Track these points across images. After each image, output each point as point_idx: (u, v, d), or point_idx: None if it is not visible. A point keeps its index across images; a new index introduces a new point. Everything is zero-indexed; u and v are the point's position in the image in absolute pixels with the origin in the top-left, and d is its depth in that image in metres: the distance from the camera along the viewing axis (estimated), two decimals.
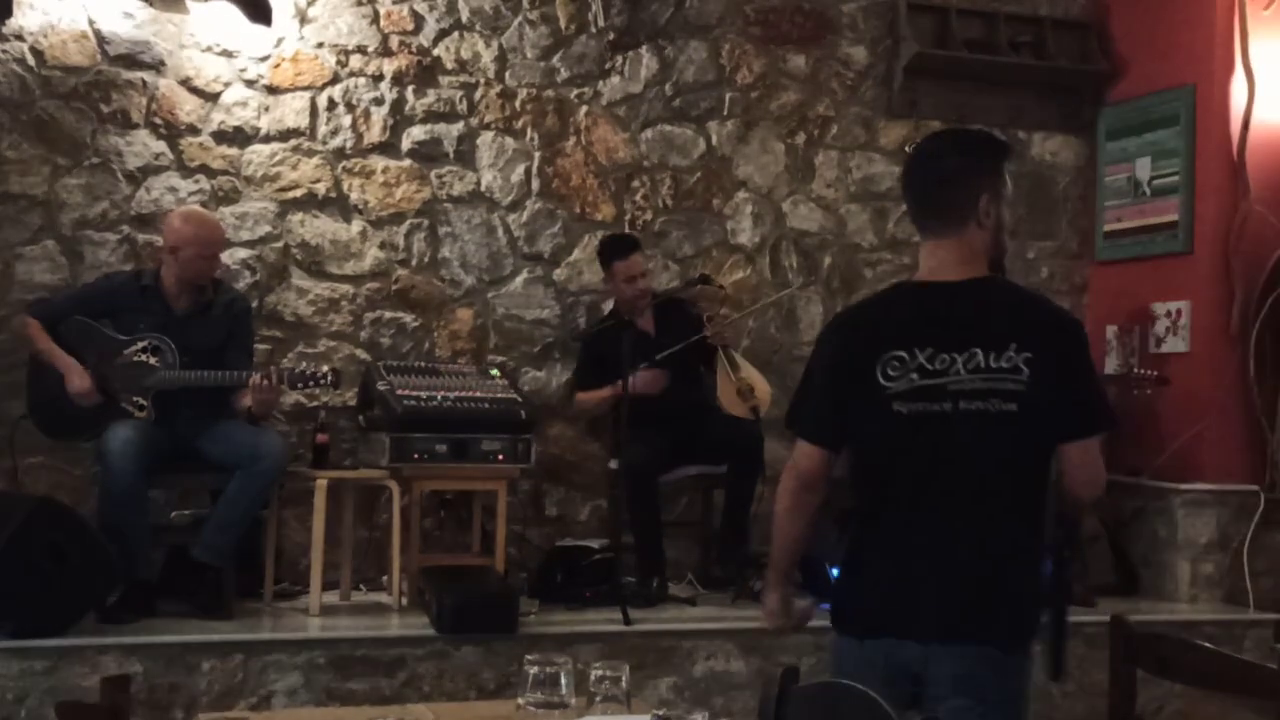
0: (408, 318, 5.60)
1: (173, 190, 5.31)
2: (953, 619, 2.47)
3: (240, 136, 5.40)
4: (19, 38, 5.15)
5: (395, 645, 4.42)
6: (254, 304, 5.23)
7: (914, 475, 2.53)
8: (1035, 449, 2.52)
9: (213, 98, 5.36)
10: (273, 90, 5.42)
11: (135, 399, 4.64)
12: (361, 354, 5.51)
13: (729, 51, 6.03)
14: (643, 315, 5.47)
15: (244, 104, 5.39)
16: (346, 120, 5.52)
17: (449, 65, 5.66)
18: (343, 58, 5.52)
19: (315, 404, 5.38)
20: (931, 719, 2.43)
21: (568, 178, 5.81)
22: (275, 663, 4.30)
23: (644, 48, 5.91)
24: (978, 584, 2.49)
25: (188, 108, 5.33)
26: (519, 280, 5.74)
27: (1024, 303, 2.59)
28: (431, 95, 5.63)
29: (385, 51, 5.57)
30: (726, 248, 6.02)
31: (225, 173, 5.38)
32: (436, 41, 5.65)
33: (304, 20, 5.46)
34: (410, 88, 5.60)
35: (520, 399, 5.09)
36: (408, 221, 5.60)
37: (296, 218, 5.47)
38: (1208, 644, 2.78)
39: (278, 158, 5.45)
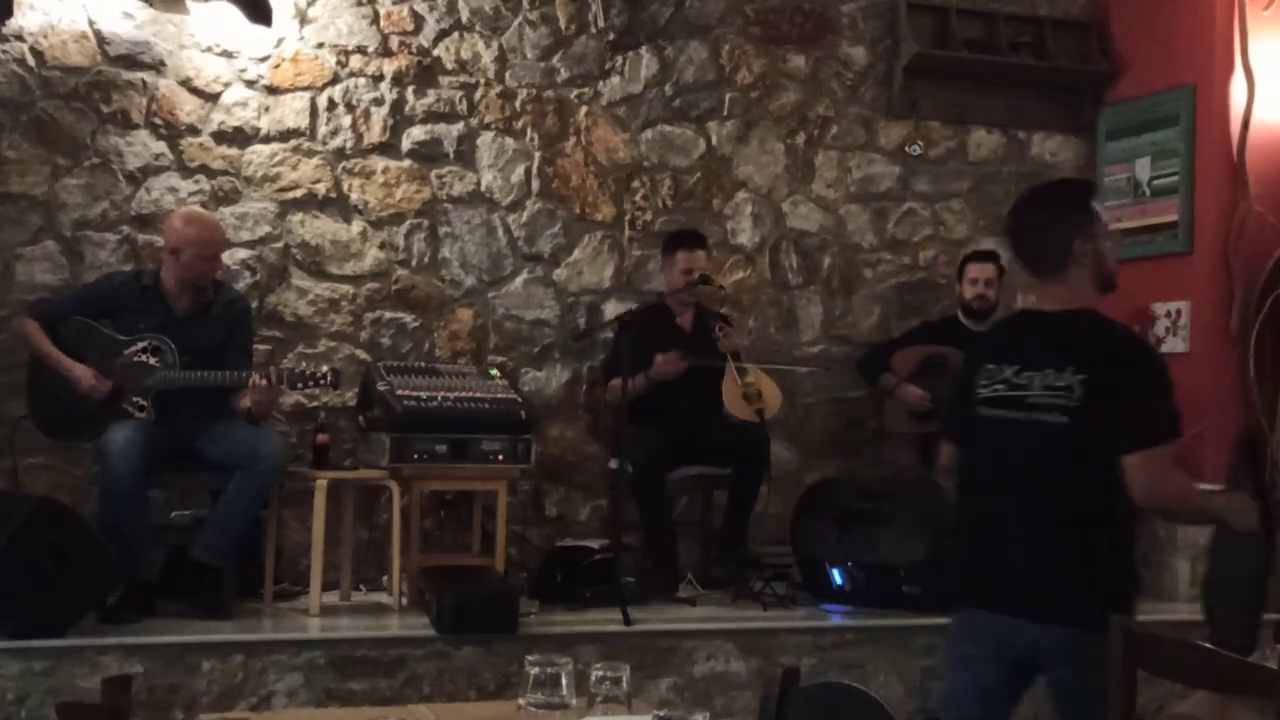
0: (408, 318, 5.60)
1: (173, 190, 5.31)
2: (1041, 600, 2.86)
3: (240, 137, 5.40)
4: (19, 38, 5.15)
5: (395, 645, 4.42)
6: (254, 304, 5.23)
7: (997, 471, 2.97)
8: (1092, 457, 2.84)
9: (213, 98, 5.36)
10: (273, 90, 5.43)
11: (135, 399, 4.64)
12: (361, 354, 5.51)
13: (729, 52, 6.03)
14: (685, 312, 5.53)
15: (244, 104, 5.40)
16: (346, 120, 5.52)
17: (449, 65, 5.66)
18: (343, 58, 5.52)
19: (315, 404, 5.38)
20: (931, 717, 2.52)
21: (568, 178, 5.81)
22: (275, 663, 4.30)
23: (644, 48, 5.92)
24: (1053, 573, 2.86)
25: (188, 108, 5.33)
26: (519, 280, 5.75)
27: (1095, 333, 2.96)
28: (431, 95, 5.63)
29: (385, 52, 5.57)
30: (726, 248, 6.02)
31: (225, 173, 5.38)
32: (436, 42, 5.65)
33: (304, 20, 5.46)
34: (410, 88, 5.60)
35: (520, 399, 5.09)
36: (408, 222, 5.61)
37: (296, 218, 5.47)
38: (1208, 644, 2.78)
39: (278, 158, 5.45)
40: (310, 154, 5.49)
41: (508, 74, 5.74)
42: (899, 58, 6.16)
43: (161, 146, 5.31)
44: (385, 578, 5.14)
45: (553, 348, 5.78)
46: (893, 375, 5.78)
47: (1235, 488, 3.85)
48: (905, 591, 5.00)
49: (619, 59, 5.89)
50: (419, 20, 5.62)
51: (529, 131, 5.76)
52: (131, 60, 5.27)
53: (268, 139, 5.43)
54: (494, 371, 5.33)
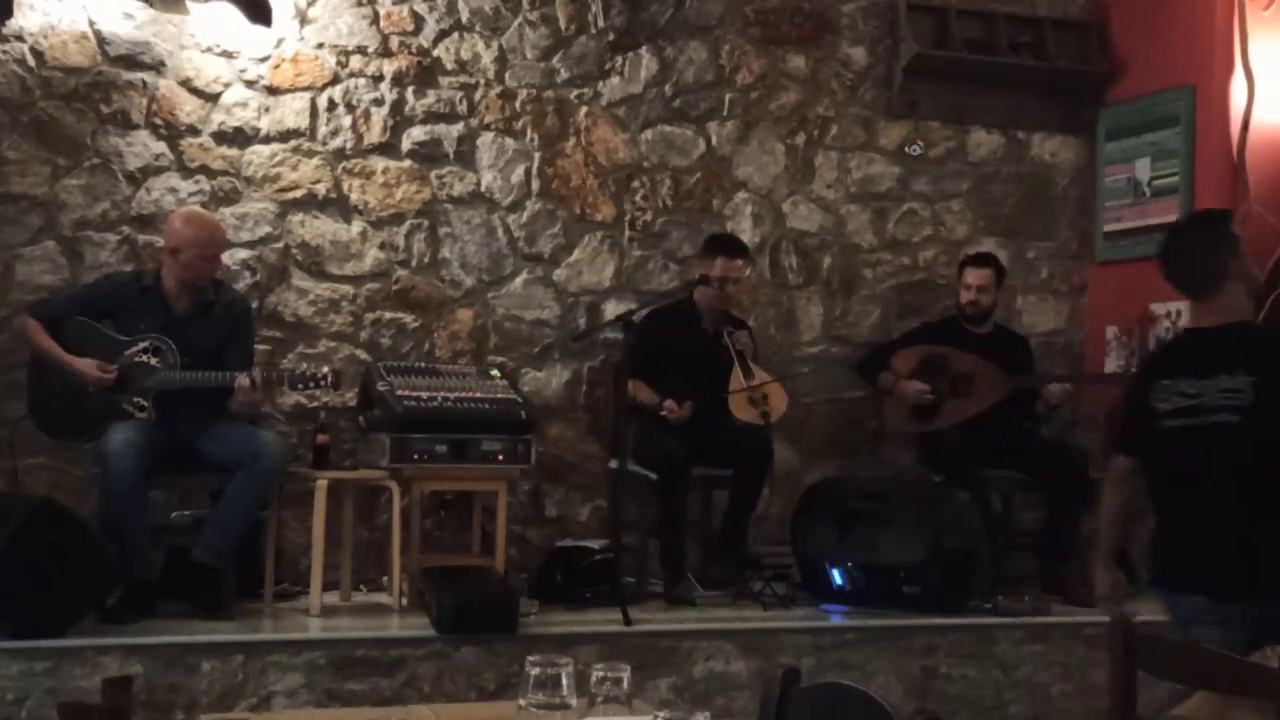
0: (408, 318, 5.60)
1: (173, 191, 5.31)
2: (1239, 582, 3.18)
3: (240, 137, 5.40)
4: (19, 38, 5.15)
5: (395, 646, 4.42)
6: (254, 304, 5.23)
7: (1182, 473, 3.33)
8: (1269, 451, 3.20)
9: (213, 98, 5.37)
10: (273, 91, 5.43)
11: (136, 399, 4.63)
12: (361, 354, 5.51)
13: (729, 52, 6.04)
14: (710, 316, 5.54)
15: (244, 105, 5.40)
16: (346, 121, 5.52)
17: (449, 66, 5.66)
18: (343, 58, 5.52)
19: (315, 405, 5.38)
20: (931, 717, 2.55)
21: (568, 178, 5.81)
22: (275, 663, 4.29)
23: (644, 48, 5.92)
24: (1243, 557, 3.20)
25: (188, 108, 5.34)
26: (519, 281, 5.75)
27: (1260, 338, 3.47)
28: (431, 96, 5.63)
29: (385, 52, 5.57)
30: None
31: (225, 173, 5.39)
32: (436, 42, 5.65)
33: (304, 21, 5.46)
34: (410, 88, 5.60)
35: (520, 399, 5.09)
36: (408, 222, 5.61)
37: (297, 218, 5.47)
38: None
39: (278, 158, 5.45)
40: (310, 154, 5.49)
41: (508, 74, 5.74)
42: (899, 58, 6.16)
43: (162, 147, 5.31)
44: (385, 578, 5.14)
45: (553, 348, 5.78)
46: (892, 374, 5.78)
47: None
48: (905, 591, 5.00)
49: (619, 59, 5.89)
50: (419, 21, 5.63)
51: (529, 132, 5.76)
52: (131, 60, 5.27)
53: (268, 139, 5.43)
54: (494, 372, 5.33)
